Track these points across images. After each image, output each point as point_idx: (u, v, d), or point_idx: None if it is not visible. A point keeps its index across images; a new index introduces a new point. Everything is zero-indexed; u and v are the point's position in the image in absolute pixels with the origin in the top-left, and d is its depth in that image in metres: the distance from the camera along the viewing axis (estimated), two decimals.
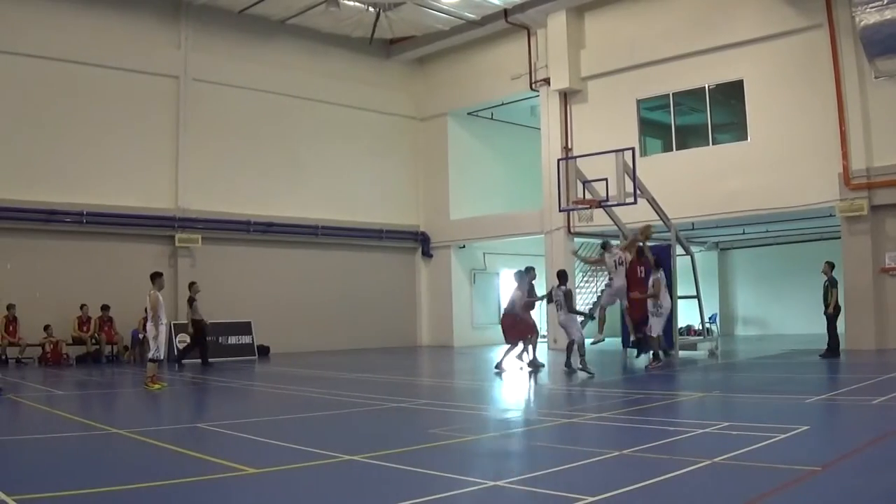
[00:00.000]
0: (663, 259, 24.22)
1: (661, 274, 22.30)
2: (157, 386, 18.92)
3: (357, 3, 32.78)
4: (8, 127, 28.82)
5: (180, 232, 31.73)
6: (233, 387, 21.57)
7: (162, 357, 19.83)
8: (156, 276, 19.32)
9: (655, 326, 22.15)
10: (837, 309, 23.99)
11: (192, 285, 28.11)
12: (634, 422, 12.83)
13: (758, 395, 16.17)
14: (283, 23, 34.74)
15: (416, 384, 20.48)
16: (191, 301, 27.88)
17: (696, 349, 26.63)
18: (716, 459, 9.22)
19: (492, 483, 8.54)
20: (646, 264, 23.58)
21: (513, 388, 19.73)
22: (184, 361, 27.92)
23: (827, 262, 24.23)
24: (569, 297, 21.90)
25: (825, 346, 23.64)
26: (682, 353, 25.09)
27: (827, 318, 23.89)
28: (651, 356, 22.47)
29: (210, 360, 27.93)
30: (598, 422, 13.00)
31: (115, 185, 30.54)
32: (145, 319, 20.00)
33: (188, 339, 29.03)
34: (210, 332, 28.63)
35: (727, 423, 12.10)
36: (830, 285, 23.87)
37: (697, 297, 26.28)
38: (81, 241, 29.76)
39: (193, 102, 32.83)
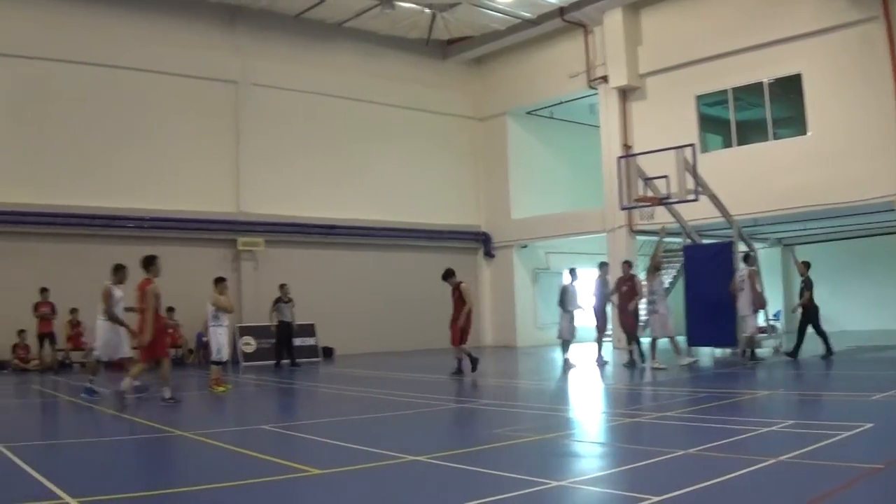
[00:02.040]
0: (725, 257, 24.17)
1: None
2: (221, 388, 19.03)
3: (413, 5, 32.83)
4: (70, 134, 29.28)
5: (242, 235, 31.98)
6: (297, 388, 21.68)
7: (225, 359, 19.91)
8: (219, 281, 19.44)
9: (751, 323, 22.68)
10: (814, 308, 23.92)
11: (281, 287, 28.34)
12: (699, 420, 12.73)
13: (822, 393, 16.07)
14: (339, 26, 34.90)
15: (479, 384, 20.45)
16: (275, 302, 28.11)
17: (760, 347, 26.42)
18: (780, 458, 9.12)
19: (556, 483, 8.51)
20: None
21: (577, 387, 19.68)
22: (281, 363, 28.31)
23: (803, 262, 24.24)
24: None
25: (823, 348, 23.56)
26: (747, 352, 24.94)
27: (810, 320, 23.84)
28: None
29: (282, 361, 28.24)
30: (662, 421, 12.93)
31: (177, 189, 30.90)
32: (208, 322, 20.07)
33: (252, 343, 29.31)
34: (295, 334, 28.84)
35: (792, 421, 12.01)
36: (805, 286, 23.82)
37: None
38: (143, 245, 29.79)
39: (252, 106, 33.09)
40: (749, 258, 23.82)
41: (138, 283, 17.22)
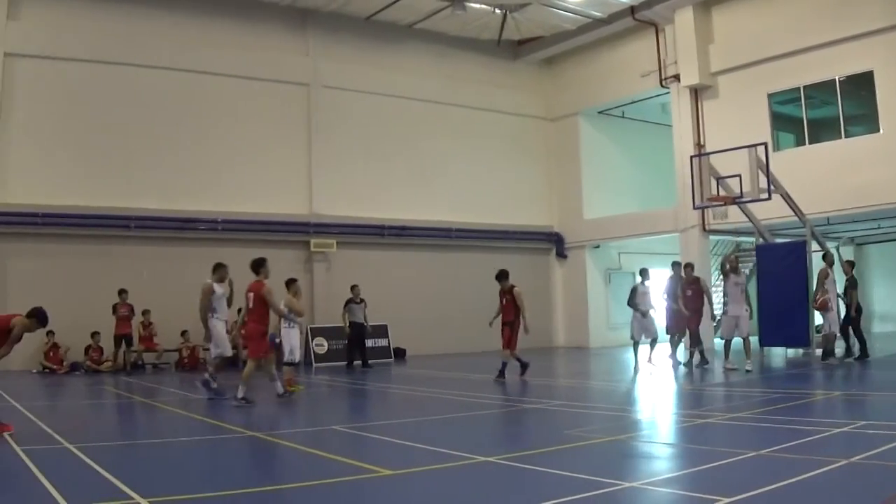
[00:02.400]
0: (797, 256, 24.01)
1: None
2: (293, 389, 19.09)
3: (483, 6, 32.84)
4: (146, 138, 29.73)
5: (315, 237, 32.18)
6: (368, 389, 21.75)
7: (297, 360, 20.06)
8: (290, 282, 19.55)
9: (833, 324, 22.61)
10: (859, 310, 23.78)
11: (353, 288, 28.48)
12: (771, 421, 12.65)
13: (894, 394, 15.90)
14: (410, 28, 35.02)
15: (551, 385, 20.46)
16: (346, 304, 28.27)
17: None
18: (852, 459, 9.08)
19: (627, 484, 8.52)
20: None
21: (648, 388, 19.62)
22: (353, 364, 28.57)
23: (847, 262, 24.02)
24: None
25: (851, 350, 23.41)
26: (818, 352, 24.72)
27: (850, 321, 23.65)
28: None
29: (354, 362, 28.42)
30: (734, 422, 12.86)
31: (250, 191, 31.20)
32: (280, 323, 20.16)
33: (325, 344, 29.52)
34: (369, 335, 28.98)
35: (864, 422, 11.92)
36: (850, 286, 23.59)
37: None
38: (216, 247, 30.15)
39: (324, 109, 33.29)
40: (827, 256, 23.71)
41: (250, 285, 17.74)
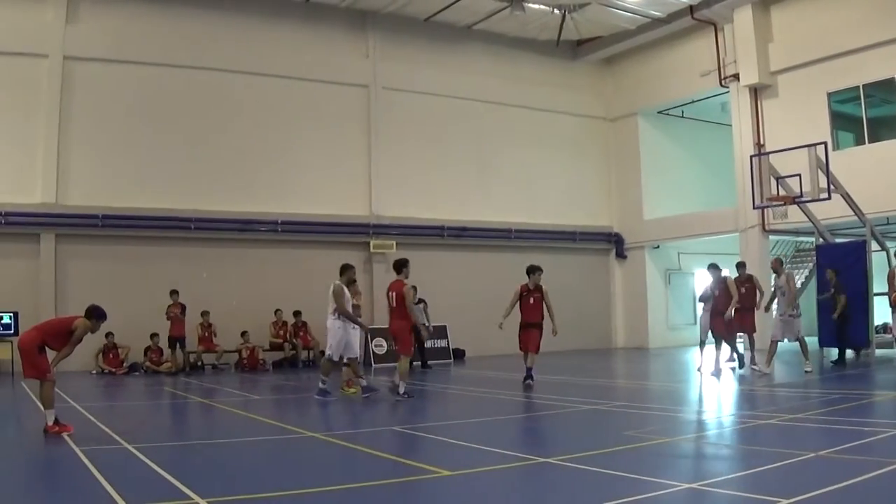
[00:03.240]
0: (857, 256, 23.82)
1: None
2: (352, 390, 19.14)
3: (542, 6, 32.84)
4: (205, 140, 30.12)
5: (375, 238, 32.36)
6: (428, 390, 21.76)
7: (357, 361, 20.12)
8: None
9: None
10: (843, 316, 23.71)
11: (412, 289, 28.52)
12: (830, 422, 12.59)
13: None
14: (469, 28, 35.08)
15: (610, 386, 20.41)
16: None
17: (892, 347, 25.92)
18: None
19: (687, 486, 8.52)
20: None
21: (709, 389, 19.55)
22: (413, 364, 28.40)
23: (830, 269, 23.84)
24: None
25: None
26: (878, 352, 24.51)
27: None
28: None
29: (414, 363, 28.45)
30: (793, 423, 12.79)
31: (309, 193, 31.46)
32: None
33: (384, 345, 29.67)
34: (428, 337, 28.86)
35: None
36: (837, 291, 23.38)
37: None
38: (276, 248, 30.60)
39: (383, 110, 33.48)
40: (781, 261, 23.35)
41: (390, 284, 18.57)
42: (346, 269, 18.84)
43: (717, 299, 22.03)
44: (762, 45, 31.96)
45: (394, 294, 18.24)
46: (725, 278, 22.31)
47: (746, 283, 23.19)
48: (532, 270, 20.57)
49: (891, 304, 22.51)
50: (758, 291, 23.23)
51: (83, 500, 8.61)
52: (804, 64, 30.95)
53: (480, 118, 35.78)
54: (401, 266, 18.66)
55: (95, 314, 13.22)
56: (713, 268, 22.42)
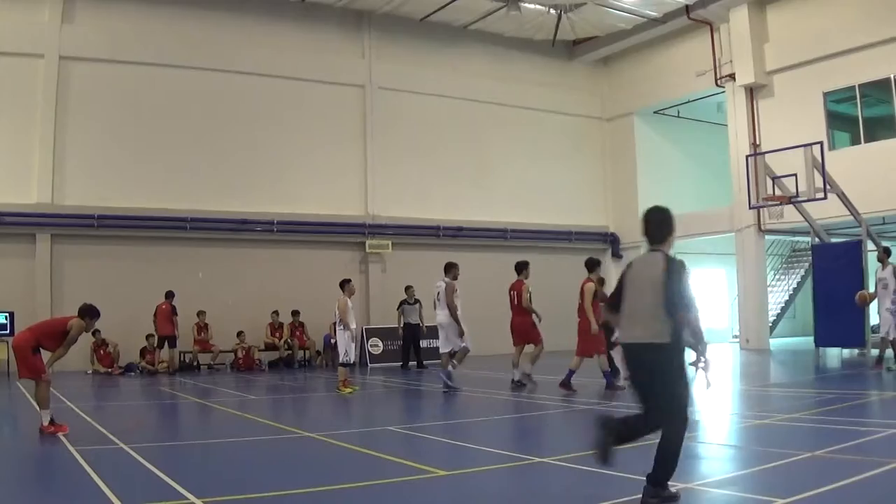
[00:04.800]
0: (853, 256, 23.72)
1: None
2: (348, 390, 19.30)
3: (538, 6, 32.84)
4: (200, 139, 30.17)
5: (370, 238, 32.38)
6: (423, 390, 21.83)
7: (352, 361, 20.17)
8: (345, 283, 19.72)
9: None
10: None
11: (407, 289, 28.68)
12: (826, 422, 12.59)
13: None
14: (465, 28, 35.07)
15: (601, 386, 20.33)
16: (400, 305, 28.43)
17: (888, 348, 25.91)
18: None
19: (683, 485, 8.51)
20: None
21: (703, 390, 19.55)
22: (408, 364, 28.73)
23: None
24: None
25: None
26: (874, 352, 24.53)
27: None
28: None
29: (409, 363, 28.49)
30: (790, 423, 12.80)
31: (305, 193, 31.48)
32: (335, 324, 20.40)
33: (380, 345, 29.66)
34: (423, 336, 29.01)
35: None
36: None
37: None
38: (272, 248, 30.63)
39: (379, 110, 33.50)
40: (888, 251, 22.36)
41: (512, 284, 20.52)
42: (451, 267, 20.53)
43: None
44: (758, 44, 31.97)
45: (514, 293, 19.95)
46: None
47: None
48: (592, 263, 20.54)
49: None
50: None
51: (79, 501, 8.60)
52: (800, 64, 30.94)
53: (476, 118, 35.78)
54: (521, 267, 20.50)
55: (89, 313, 13.25)
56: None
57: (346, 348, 19.50)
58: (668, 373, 8.04)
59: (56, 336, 13.00)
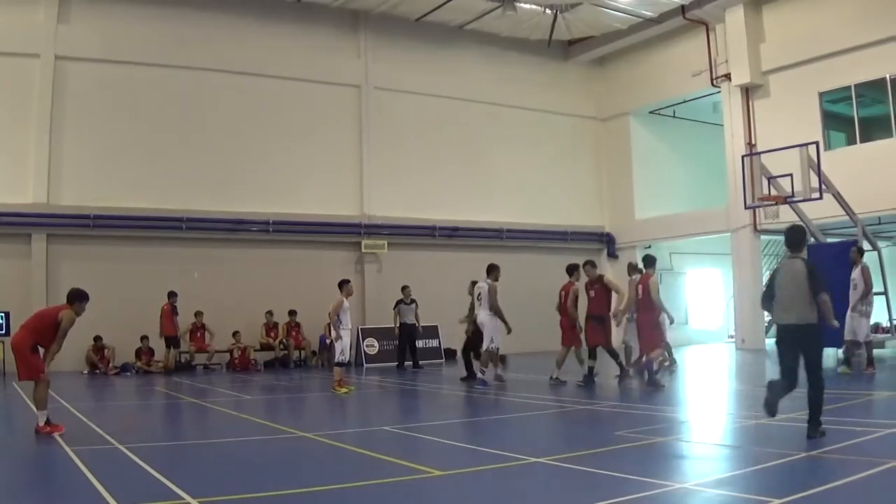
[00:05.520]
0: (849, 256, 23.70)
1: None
2: (344, 390, 19.30)
3: (534, 6, 32.87)
4: (196, 139, 30.20)
5: (366, 238, 32.40)
6: (419, 390, 21.82)
7: (347, 361, 20.19)
8: (343, 283, 19.71)
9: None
10: None
11: (403, 289, 28.68)
12: (822, 422, 12.63)
13: None
14: (460, 28, 35.10)
15: (602, 386, 20.34)
16: (396, 304, 28.46)
17: (884, 347, 25.92)
18: None
19: (679, 485, 8.55)
20: None
21: (697, 390, 19.58)
22: (404, 364, 28.66)
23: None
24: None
25: None
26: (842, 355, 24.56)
27: None
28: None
29: (405, 363, 28.45)
30: (785, 423, 12.81)
31: (301, 193, 31.54)
32: (330, 325, 20.45)
33: (375, 345, 29.66)
34: (419, 336, 29.11)
35: None
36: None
37: (885, 293, 25.49)
38: (268, 248, 30.65)
39: (375, 110, 33.54)
40: (861, 251, 21.68)
41: (563, 285, 20.56)
42: (493, 269, 20.69)
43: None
44: (754, 44, 32.01)
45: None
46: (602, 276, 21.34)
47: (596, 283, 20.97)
48: (583, 265, 21.14)
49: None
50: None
51: (75, 501, 8.62)
52: (796, 64, 30.99)
53: (472, 118, 35.82)
54: (572, 269, 20.79)
55: (78, 297, 13.26)
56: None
57: (343, 348, 19.51)
58: (818, 344, 11.30)
59: (50, 330, 12.98)
